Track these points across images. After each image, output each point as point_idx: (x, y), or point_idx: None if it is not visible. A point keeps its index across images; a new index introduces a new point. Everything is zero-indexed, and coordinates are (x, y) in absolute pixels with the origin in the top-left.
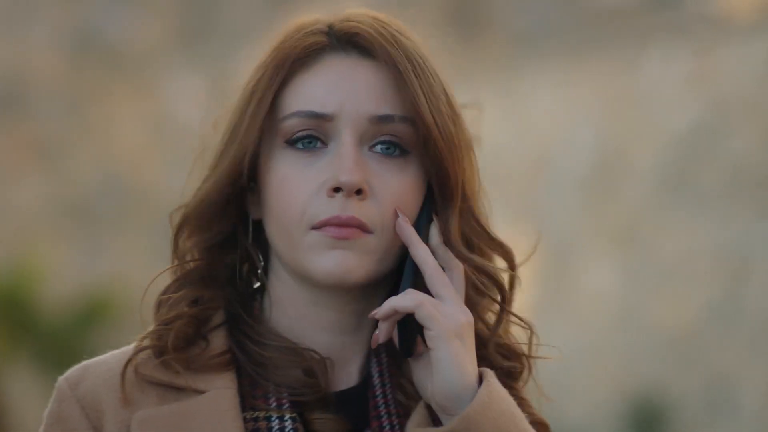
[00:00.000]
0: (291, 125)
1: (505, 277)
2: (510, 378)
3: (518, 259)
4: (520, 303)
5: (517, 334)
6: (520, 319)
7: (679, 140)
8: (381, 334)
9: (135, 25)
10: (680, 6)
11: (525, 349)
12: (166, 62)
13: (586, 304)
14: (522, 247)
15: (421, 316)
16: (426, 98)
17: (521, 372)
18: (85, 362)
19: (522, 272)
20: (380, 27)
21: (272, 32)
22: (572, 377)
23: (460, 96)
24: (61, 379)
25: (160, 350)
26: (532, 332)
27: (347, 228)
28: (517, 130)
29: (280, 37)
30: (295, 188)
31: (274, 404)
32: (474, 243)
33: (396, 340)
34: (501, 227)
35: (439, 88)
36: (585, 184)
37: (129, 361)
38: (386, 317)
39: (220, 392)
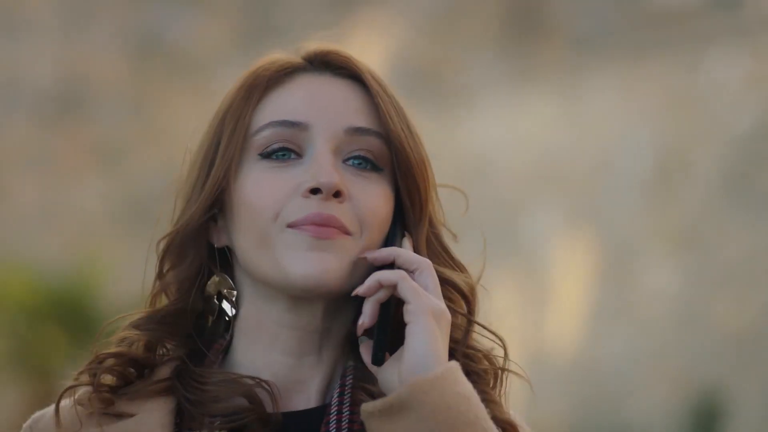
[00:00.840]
0: (265, 136)
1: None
2: (481, 381)
3: (475, 276)
4: (581, 304)
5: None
6: (490, 331)
7: (740, 141)
8: (366, 316)
9: (196, 27)
10: (740, 7)
11: (496, 359)
12: (227, 64)
13: (647, 306)
14: (582, 248)
15: (403, 288)
16: (398, 117)
17: (494, 376)
18: (53, 404)
19: (583, 274)
20: (349, 53)
21: (335, 32)
22: (633, 378)
23: (521, 99)
24: (31, 418)
25: (93, 387)
26: (504, 346)
27: (327, 228)
28: (578, 133)
29: (248, 72)
30: (269, 190)
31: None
32: (445, 262)
33: (368, 354)
34: (561, 229)
35: (404, 113)
36: (646, 185)
37: (60, 396)
38: (370, 292)
39: (149, 414)
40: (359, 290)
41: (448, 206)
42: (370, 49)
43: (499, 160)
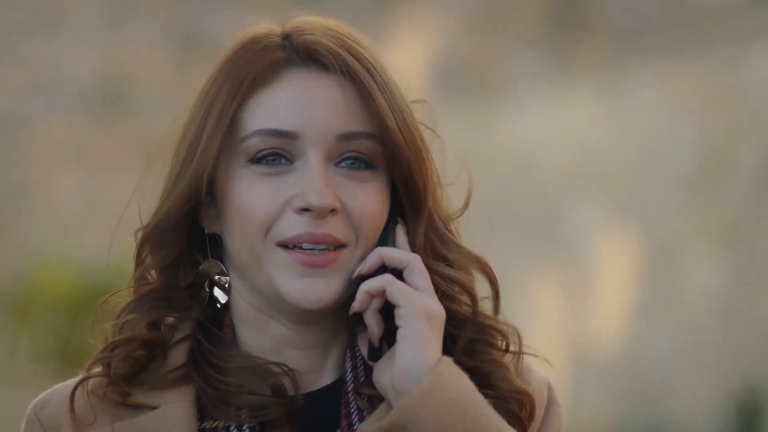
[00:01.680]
0: (253, 144)
1: (472, 283)
2: (489, 346)
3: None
4: (624, 301)
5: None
6: (500, 331)
7: None
8: (372, 327)
9: (238, 22)
10: None
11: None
12: None
13: (690, 301)
14: (624, 244)
15: (392, 292)
16: (392, 112)
17: (505, 343)
18: (55, 386)
19: (626, 271)
20: (338, 39)
21: (377, 32)
22: (676, 373)
23: (564, 95)
24: (31, 404)
25: (109, 377)
26: (518, 333)
27: (320, 255)
28: (621, 129)
29: (232, 50)
30: (259, 201)
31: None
32: (447, 257)
33: (365, 347)
34: (603, 226)
35: (401, 99)
36: (688, 181)
37: (76, 387)
38: (363, 306)
39: (172, 406)
40: (354, 307)
41: (486, 199)
42: (411, 46)
43: (542, 156)
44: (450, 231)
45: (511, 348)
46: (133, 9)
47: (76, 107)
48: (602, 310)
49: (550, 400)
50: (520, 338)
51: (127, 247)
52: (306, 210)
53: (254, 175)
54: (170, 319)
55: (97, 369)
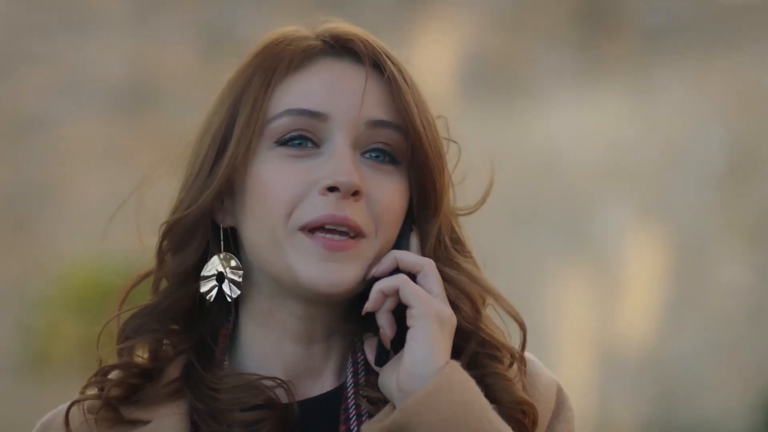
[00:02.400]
0: (281, 125)
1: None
2: (493, 359)
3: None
4: (652, 299)
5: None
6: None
7: None
8: (385, 329)
9: (266, 21)
10: None
11: (510, 343)
12: None
13: (719, 300)
14: (652, 243)
15: (405, 292)
16: (417, 108)
17: (509, 359)
18: (60, 406)
19: (654, 269)
20: (369, 37)
21: (404, 31)
22: (705, 372)
23: (592, 94)
24: (38, 423)
25: (102, 399)
26: (524, 330)
27: (339, 241)
28: (649, 127)
29: (263, 44)
30: (283, 184)
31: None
32: (453, 262)
33: (371, 353)
34: (631, 224)
35: (425, 102)
36: (716, 180)
37: (69, 408)
38: (377, 305)
39: (164, 420)
40: (367, 306)
41: (513, 198)
42: (439, 45)
43: (570, 155)
44: (461, 240)
45: (515, 366)
46: (160, 7)
47: (103, 106)
48: (630, 309)
49: (560, 405)
50: (524, 337)
51: (153, 245)
52: (332, 190)
53: (280, 156)
54: (172, 339)
55: (92, 391)
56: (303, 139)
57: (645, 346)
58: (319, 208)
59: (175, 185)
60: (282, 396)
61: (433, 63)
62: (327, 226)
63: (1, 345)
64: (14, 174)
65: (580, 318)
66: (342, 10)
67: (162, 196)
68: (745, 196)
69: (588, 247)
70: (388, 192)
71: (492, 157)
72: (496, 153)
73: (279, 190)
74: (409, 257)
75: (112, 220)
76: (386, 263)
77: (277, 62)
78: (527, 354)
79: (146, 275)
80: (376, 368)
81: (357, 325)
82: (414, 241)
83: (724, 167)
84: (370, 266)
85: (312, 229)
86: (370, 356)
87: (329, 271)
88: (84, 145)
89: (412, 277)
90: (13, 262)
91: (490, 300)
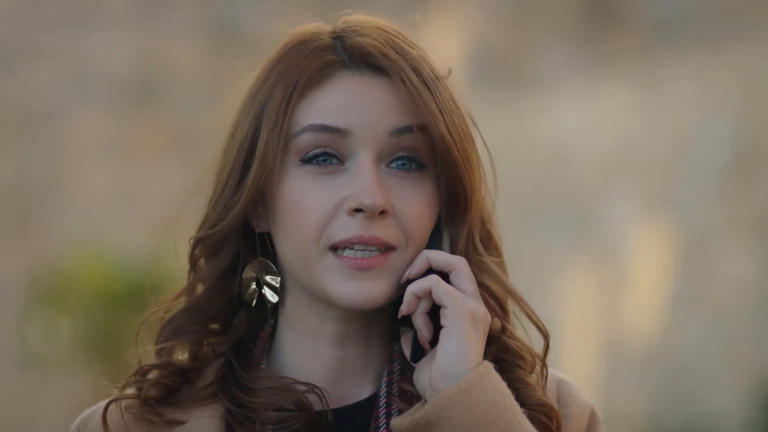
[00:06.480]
0: (304, 141)
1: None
2: (515, 365)
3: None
4: (657, 293)
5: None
6: (537, 324)
7: None
8: (422, 330)
9: (273, 14)
10: None
11: (533, 350)
12: None
13: (724, 294)
14: (658, 236)
15: (437, 293)
16: (440, 111)
17: (531, 364)
18: (99, 403)
19: (660, 263)
20: (389, 41)
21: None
22: (711, 365)
23: (598, 87)
24: (77, 418)
25: (140, 399)
26: (546, 337)
27: (369, 258)
28: (655, 120)
29: (282, 50)
30: (312, 205)
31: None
32: (483, 264)
33: (407, 347)
34: (637, 218)
35: (450, 101)
36: (723, 173)
37: (107, 406)
38: (411, 308)
39: (199, 421)
40: (402, 310)
41: (520, 191)
42: (446, 37)
43: (576, 147)
44: (492, 240)
45: (536, 372)
46: (165, 1)
47: (109, 99)
48: (636, 302)
49: (590, 429)
50: (547, 344)
51: (164, 240)
52: (358, 211)
53: (308, 175)
54: (212, 340)
55: (130, 390)
56: (327, 156)
57: (650, 339)
58: (348, 229)
59: (181, 180)
60: (315, 402)
61: (439, 56)
62: (356, 247)
63: (2, 339)
64: (19, 167)
65: (586, 311)
66: (348, 2)
67: (168, 189)
68: (751, 189)
69: (593, 240)
70: (415, 203)
71: (498, 151)
72: (502, 146)
73: (309, 211)
74: (441, 256)
75: (117, 215)
76: (419, 264)
77: (297, 76)
78: (565, 376)
79: (182, 292)
80: (413, 363)
81: (395, 323)
82: (446, 239)
83: (731, 160)
84: (404, 269)
85: (342, 248)
86: (407, 351)
87: (359, 287)
88: (89, 138)
89: (446, 276)
90: (19, 254)
91: (512, 305)
